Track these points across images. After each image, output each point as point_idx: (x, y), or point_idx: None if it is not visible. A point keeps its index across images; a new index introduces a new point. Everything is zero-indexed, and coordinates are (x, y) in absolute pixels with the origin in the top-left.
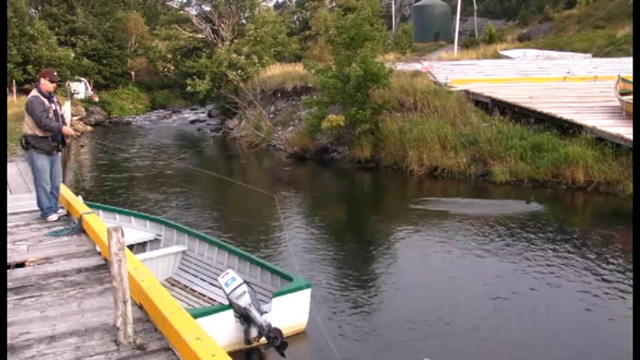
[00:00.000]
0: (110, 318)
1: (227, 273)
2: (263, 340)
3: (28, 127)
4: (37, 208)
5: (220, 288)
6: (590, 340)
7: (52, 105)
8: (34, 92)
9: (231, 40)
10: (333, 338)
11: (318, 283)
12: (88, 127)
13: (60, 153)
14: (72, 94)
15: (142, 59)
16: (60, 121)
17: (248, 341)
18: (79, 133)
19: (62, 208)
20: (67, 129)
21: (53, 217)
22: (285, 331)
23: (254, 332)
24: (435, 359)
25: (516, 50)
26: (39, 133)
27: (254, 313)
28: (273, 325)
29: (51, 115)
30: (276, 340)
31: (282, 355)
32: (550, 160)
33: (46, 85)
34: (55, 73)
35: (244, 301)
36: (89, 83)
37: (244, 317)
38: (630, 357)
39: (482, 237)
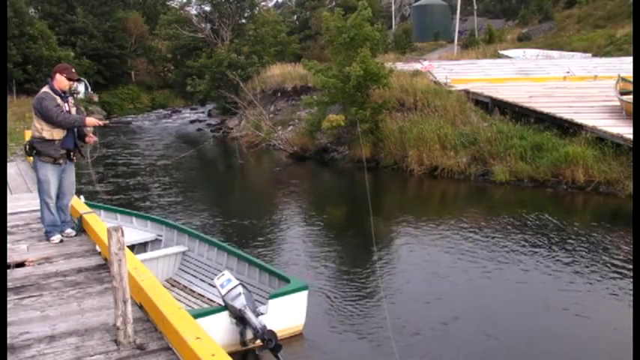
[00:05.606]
0: (110, 318)
1: (223, 274)
2: (259, 342)
3: (36, 130)
4: (37, 207)
5: (216, 289)
6: (589, 339)
7: (65, 105)
8: (44, 89)
9: (231, 39)
10: (330, 340)
11: (316, 285)
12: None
13: (73, 162)
14: (72, 94)
15: (142, 59)
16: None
17: (244, 343)
18: (101, 123)
19: (73, 227)
20: (90, 119)
21: (56, 238)
22: (282, 333)
23: (249, 334)
24: None
25: (516, 50)
26: (46, 136)
27: (249, 314)
28: (270, 326)
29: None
30: (271, 342)
31: (277, 357)
32: (550, 160)
33: (61, 82)
34: (74, 70)
35: (239, 303)
36: (89, 83)
37: (240, 319)
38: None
39: (480, 235)
